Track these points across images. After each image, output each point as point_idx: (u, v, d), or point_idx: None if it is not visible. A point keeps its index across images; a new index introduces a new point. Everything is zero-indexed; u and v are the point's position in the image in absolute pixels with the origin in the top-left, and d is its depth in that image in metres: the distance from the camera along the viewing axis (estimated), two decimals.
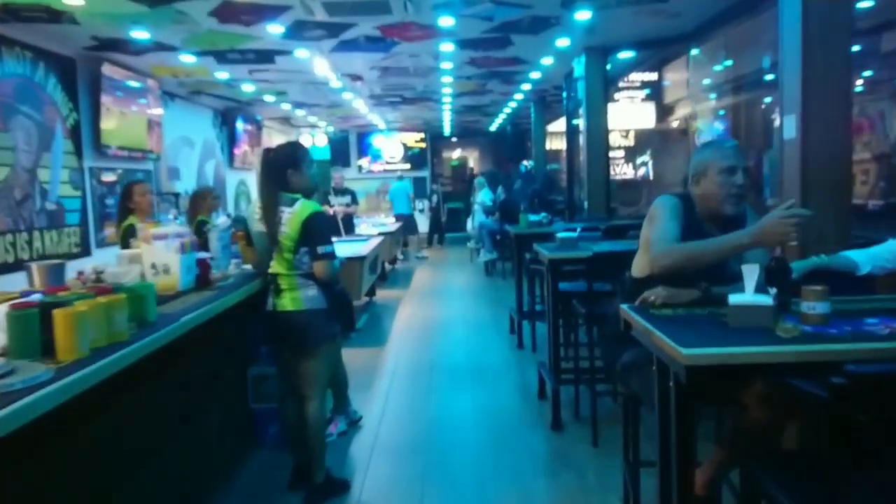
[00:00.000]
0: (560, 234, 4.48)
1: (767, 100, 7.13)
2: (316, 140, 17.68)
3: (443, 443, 4.26)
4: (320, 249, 3.21)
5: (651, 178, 12.46)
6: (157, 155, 8.88)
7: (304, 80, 9.57)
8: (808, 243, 3.17)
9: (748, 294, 2.06)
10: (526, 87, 10.93)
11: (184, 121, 10.24)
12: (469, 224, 15.58)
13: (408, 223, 13.89)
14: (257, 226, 3.38)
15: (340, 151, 17.97)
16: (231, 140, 12.09)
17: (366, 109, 13.18)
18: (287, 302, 3.29)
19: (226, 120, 11.92)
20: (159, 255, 3.16)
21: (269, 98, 11.14)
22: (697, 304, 2.35)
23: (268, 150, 3.47)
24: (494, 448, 4.13)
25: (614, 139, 16.93)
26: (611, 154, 17.08)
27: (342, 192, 9.90)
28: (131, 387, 2.34)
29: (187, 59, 7.63)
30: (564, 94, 10.17)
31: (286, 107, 12.34)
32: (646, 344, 2.16)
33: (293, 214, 3.23)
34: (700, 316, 2.23)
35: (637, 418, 2.86)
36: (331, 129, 17.22)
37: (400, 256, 13.42)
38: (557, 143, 19.54)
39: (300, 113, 13.47)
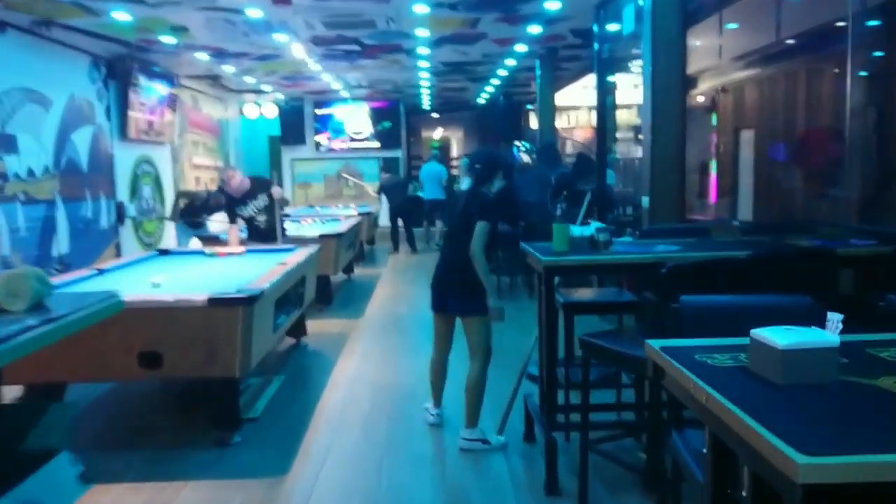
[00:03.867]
0: (785, 347, 1.22)
1: None
2: (264, 111, 14.29)
3: None
4: None
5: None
6: None
7: (202, 4, 6.24)
8: None
9: None
10: (534, 29, 7.66)
11: (29, 66, 6.85)
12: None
13: (437, 208, 12.34)
14: None
15: (293, 126, 14.57)
16: (123, 100, 8.70)
17: (315, 65, 9.83)
18: None
19: (113, 72, 8.52)
20: None
21: (166, 39, 7.77)
22: None
23: None
24: None
25: (622, 117, 13.88)
26: (618, 135, 14.11)
27: (246, 197, 6.41)
28: None
29: None
30: (596, 41, 6.91)
31: (202, 56, 8.96)
32: None
33: None
34: None
35: None
36: (280, 96, 13.81)
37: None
38: (558, 121, 16.28)
39: (229, 69, 10.08)
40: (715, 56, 9.35)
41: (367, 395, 4.76)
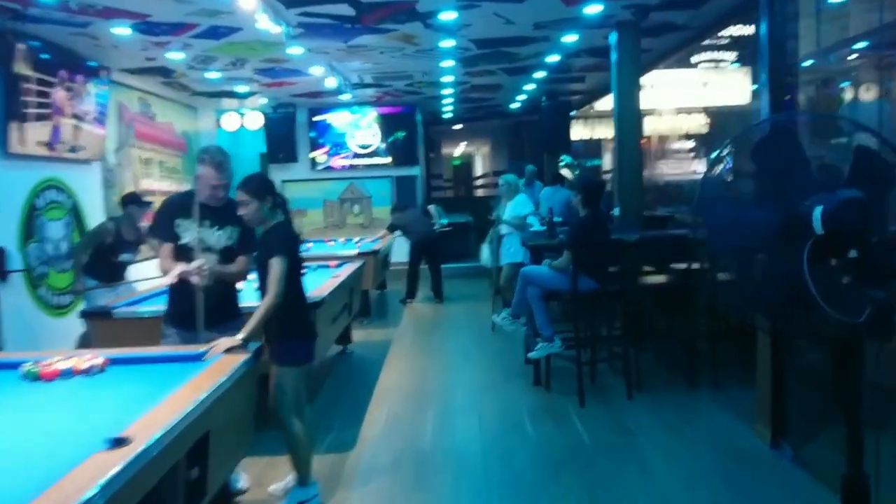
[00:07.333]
0: None
1: None
2: (245, 121, 11.40)
3: None
4: None
5: (729, 180, 6.86)
6: None
7: None
8: None
9: None
10: None
11: None
12: (485, 255, 9.25)
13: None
14: None
15: (283, 139, 11.60)
16: (8, 98, 5.83)
17: (297, 48, 6.90)
18: None
19: None
20: None
21: None
22: None
23: None
24: None
25: (673, 122, 10.87)
26: (675, 146, 11.20)
27: (210, 213, 3.53)
28: None
29: None
30: None
31: (122, 31, 6.08)
32: None
33: None
34: None
35: None
36: (264, 101, 10.92)
37: None
38: (603, 130, 13.26)
39: (175, 56, 7.19)
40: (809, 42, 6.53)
41: None
